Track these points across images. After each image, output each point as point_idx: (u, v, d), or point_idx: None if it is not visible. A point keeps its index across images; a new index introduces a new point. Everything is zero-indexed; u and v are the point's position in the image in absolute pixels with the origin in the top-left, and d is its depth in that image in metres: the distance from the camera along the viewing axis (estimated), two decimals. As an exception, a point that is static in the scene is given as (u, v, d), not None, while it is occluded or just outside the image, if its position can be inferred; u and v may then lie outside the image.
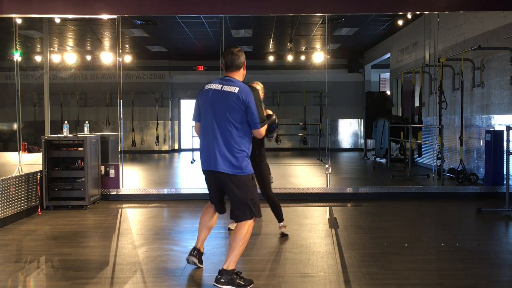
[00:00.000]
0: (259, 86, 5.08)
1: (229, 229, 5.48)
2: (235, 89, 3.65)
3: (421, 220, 6.36)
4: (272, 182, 8.57)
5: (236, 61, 3.76)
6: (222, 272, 3.67)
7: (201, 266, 4.19)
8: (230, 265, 3.68)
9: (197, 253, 4.16)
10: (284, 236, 5.22)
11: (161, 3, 7.57)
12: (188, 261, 4.17)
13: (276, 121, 4.50)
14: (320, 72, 13.67)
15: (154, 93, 16.42)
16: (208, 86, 3.79)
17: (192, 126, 13.47)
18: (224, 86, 3.70)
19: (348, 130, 17.27)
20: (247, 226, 3.75)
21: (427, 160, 10.39)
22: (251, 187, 3.76)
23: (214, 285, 3.67)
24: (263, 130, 3.81)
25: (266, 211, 6.71)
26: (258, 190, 4.06)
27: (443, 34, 10.04)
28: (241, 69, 3.82)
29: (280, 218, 5.29)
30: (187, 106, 16.96)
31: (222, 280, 3.65)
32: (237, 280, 3.67)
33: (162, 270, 4.21)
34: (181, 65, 16.32)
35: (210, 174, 3.83)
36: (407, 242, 4.99)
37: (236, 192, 3.73)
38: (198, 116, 3.87)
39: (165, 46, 14.84)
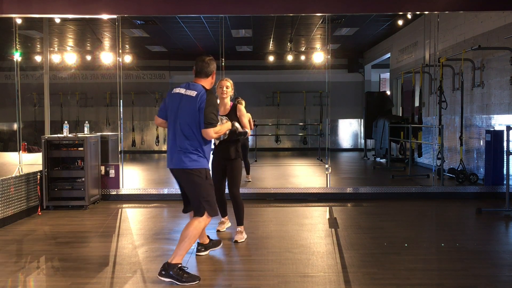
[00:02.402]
0: (228, 83, 5.09)
1: (217, 231, 5.43)
2: (193, 93, 3.93)
3: (421, 220, 6.36)
4: (249, 181, 8.62)
5: (206, 69, 4.06)
6: (165, 265, 3.83)
7: (215, 248, 4.69)
8: (174, 259, 3.82)
9: (201, 247, 4.59)
10: (236, 243, 4.96)
11: (161, 3, 7.57)
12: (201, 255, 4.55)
13: (238, 130, 4.55)
14: (320, 72, 13.68)
15: (154, 93, 16.42)
16: (175, 90, 4.06)
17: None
18: (187, 90, 3.97)
19: (348, 130, 17.27)
20: (196, 222, 3.91)
21: (427, 160, 10.40)
22: (203, 185, 3.94)
23: (157, 276, 3.84)
24: (210, 131, 3.88)
25: (267, 211, 6.73)
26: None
27: (443, 34, 10.05)
28: (210, 77, 4.10)
29: (239, 221, 5.11)
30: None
31: (163, 273, 3.81)
32: (180, 274, 3.78)
33: (162, 270, 4.22)
34: (181, 65, 16.32)
35: (172, 172, 4.10)
36: (407, 242, 4.99)
37: (189, 188, 4.02)
38: (161, 112, 4.15)
39: (165, 46, 14.84)
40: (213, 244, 4.72)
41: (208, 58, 4.11)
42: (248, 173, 8.94)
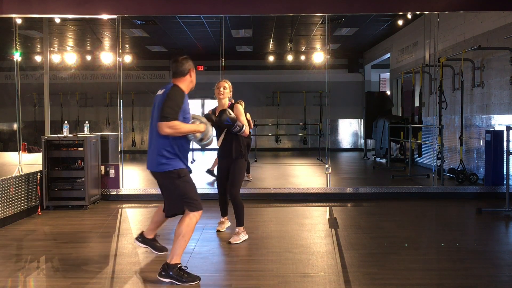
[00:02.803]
0: (226, 84, 5.07)
1: (217, 231, 5.42)
2: (162, 91, 3.94)
3: (421, 220, 6.36)
4: (250, 180, 8.62)
5: (180, 68, 3.99)
6: (164, 265, 3.83)
7: (153, 251, 4.44)
8: (172, 259, 3.82)
9: (140, 238, 4.42)
10: (229, 244, 4.89)
11: (161, 3, 7.57)
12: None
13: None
14: (320, 72, 13.69)
15: (154, 93, 16.35)
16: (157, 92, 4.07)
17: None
18: (160, 91, 3.99)
19: (348, 130, 17.27)
20: (187, 219, 3.86)
21: (427, 160, 10.39)
22: (179, 185, 3.89)
23: (157, 277, 3.84)
24: (162, 125, 3.71)
25: (267, 211, 6.73)
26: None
27: (443, 34, 10.04)
28: (187, 76, 4.01)
29: (238, 222, 5.06)
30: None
31: (163, 273, 3.82)
32: (180, 274, 3.79)
33: (162, 270, 4.21)
34: (181, 65, 16.27)
35: (151, 174, 4.07)
36: (407, 242, 4.98)
37: (165, 190, 4.01)
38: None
39: (165, 46, 14.83)
40: (154, 246, 4.43)
41: (182, 57, 4.05)
42: (248, 172, 8.95)
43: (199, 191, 4.35)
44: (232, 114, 4.82)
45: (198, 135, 3.96)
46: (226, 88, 5.04)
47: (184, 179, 3.90)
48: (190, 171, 4.04)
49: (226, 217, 5.52)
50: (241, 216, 5.07)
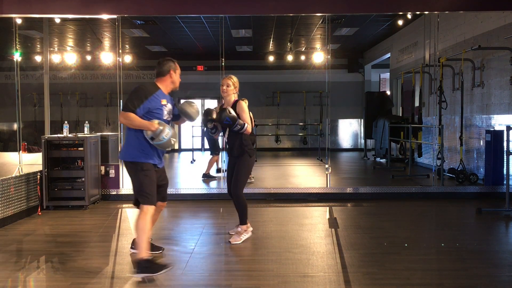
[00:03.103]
0: (230, 81, 5.02)
1: (229, 233, 5.35)
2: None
3: (421, 220, 6.36)
4: (252, 182, 8.58)
5: (160, 69, 4.27)
6: (135, 263, 4.04)
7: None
8: (139, 255, 4.01)
9: (132, 244, 4.59)
10: (229, 244, 4.86)
11: (161, 3, 7.57)
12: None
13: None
14: (320, 72, 13.69)
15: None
16: None
17: (192, 126, 13.56)
18: None
19: (348, 130, 17.27)
20: (141, 214, 4.05)
21: (427, 160, 10.39)
22: (137, 177, 4.09)
23: (131, 275, 4.00)
24: (120, 115, 4.08)
25: (267, 211, 6.72)
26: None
27: (443, 34, 10.05)
28: (167, 77, 4.26)
29: (241, 220, 4.99)
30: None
31: (136, 270, 3.97)
32: (148, 266, 3.94)
33: (162, 270, 4.22)
34: (181, 65, 16.00)
35: None
36: (407, 242, 4.98)
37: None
38: None
39: (165, 46, 14.83)
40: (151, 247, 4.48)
41: (163, 58, 4.31)
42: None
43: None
44: (232, 113, 4.79)
45: (149, 133, 4.05)
46: (229, 85, 4.96)
47: (144, 173, 4.08)
48: (158, 167, 4.25)
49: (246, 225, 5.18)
50: (243, 215, 4.99)
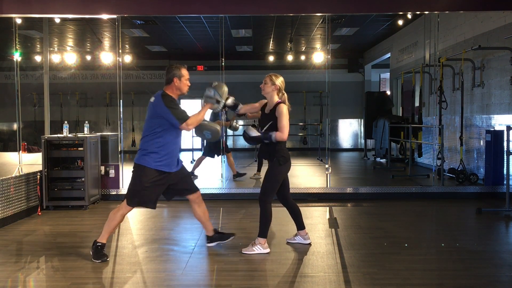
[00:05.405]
0: (267, 78, 4.65)
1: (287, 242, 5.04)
2: (153, 99, 4.42)
3: (421, 220, 6.36)
4: (260, 178, 8.56)
5: (166, 76, 4.49)
6: (94, 241, 4.46)
7: (222, 242, 4.86)
8: (99, 238, 4.44)
9: (207, 239, 4.85)
10: (241, 253, 4.60)
11: (161, 3, 7.57)
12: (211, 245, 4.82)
13: (249, 135, 4.62)
14: (320, 72, 13.68)
15: (154, 93, 16.39)
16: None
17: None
18: (152, 98, 4.47)
19: (348, 130, 17.26)
20: (119, 207, 4.44)
21: (427, 160, 10.39)
22: (136, 177, 4.39)
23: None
24: (184, 126, 4.34)
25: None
26: None
27: (443, 34, 10.04)
28: (173, 83, 4.45)
29: (260, 231, 4.60)
30: (187, 106, 16.98)
31: (92, 247, 4.44)
32: (96, 251, 4.38)
33: (162, 270, 4.22)
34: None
35: None
36: (407, 242, 4.98)
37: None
38: None
39: (165, 46, 14.83)
40: (219, 237, 4.84)
41: (169, 66, 4.54)
42: (259, 170, 9.06)
43: (202, 191, 4.47)
44: (253, 134, 4.52)
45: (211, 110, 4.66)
46: (266, 82, 4.60)
47: (143, 179, 4.32)
48: (167, 174, 4.41)
49: (303, 230, 4.92)
50: (264, 226, 4.57)
